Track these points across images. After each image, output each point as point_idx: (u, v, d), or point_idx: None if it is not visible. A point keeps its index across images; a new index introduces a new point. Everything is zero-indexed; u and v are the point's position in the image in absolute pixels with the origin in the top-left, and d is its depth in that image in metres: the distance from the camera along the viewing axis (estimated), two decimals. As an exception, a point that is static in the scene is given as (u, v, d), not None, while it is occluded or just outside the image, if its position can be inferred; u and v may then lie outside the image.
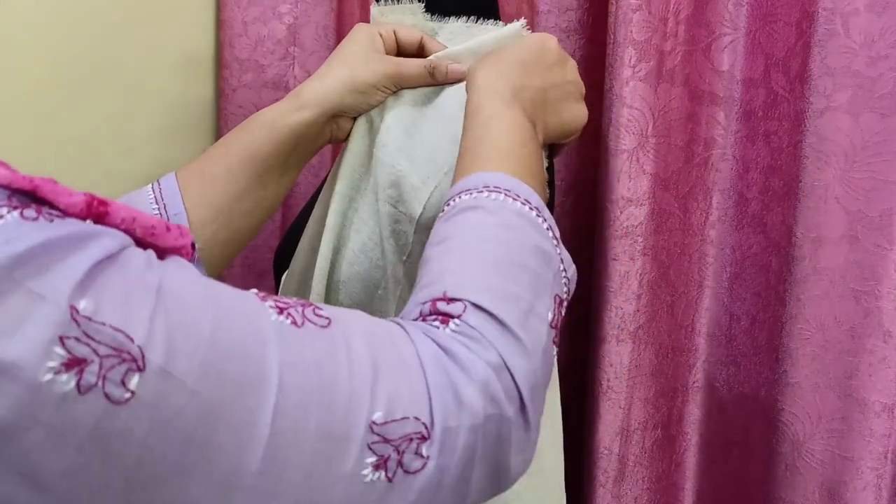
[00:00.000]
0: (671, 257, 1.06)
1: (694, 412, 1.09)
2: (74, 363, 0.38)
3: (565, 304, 0.58)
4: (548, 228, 0.58)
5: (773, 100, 1.02)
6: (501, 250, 0.55)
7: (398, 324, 0.53)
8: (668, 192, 1.05)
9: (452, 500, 0.49)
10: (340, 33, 1.32)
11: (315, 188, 1.35)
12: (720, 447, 1.11)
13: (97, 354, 0.39)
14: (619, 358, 1.05)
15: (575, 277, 0.61)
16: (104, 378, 0.39)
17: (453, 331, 0.51)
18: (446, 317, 0.52)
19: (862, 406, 0.99)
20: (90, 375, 0.39)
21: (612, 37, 1.02)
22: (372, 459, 0.46)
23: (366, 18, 1.27)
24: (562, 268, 0.58)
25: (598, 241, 1.05)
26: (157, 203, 0.75)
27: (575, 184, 1.16)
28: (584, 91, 0.75)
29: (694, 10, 1.01)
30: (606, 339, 1.05)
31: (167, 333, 0.41)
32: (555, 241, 0.59)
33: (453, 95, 0.77)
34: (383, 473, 0.46)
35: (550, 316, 0.55)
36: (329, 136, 0.80)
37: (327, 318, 0.49)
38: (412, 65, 0.78)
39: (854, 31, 0.95)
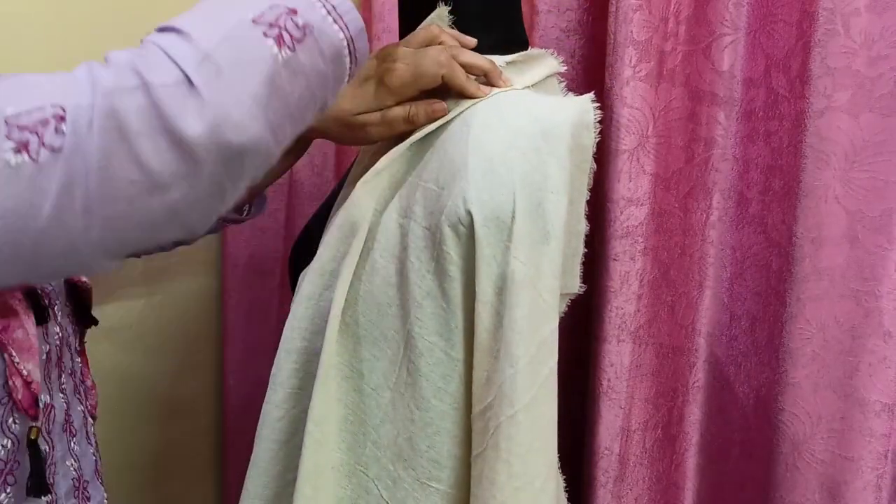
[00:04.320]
0: (671, 257, 1.06)
1: (694, 412, 1.09)
2: None
3: (311, 17, 0.58)
4: None
5: (773, 100, 1.02)
6: None
7: None
8: (668, 192, 1.05)
9: (122, 168, 0.51)
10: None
11: (318, 188, 1.36)
12: (720, 447, 1.11)
13: None
14: (619, 358, 1.06)
15: (344, 4, 0.61)
16: None
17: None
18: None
19: (862, 406, 0.99)
20: None
21: (612, 37, 1.02)
22: (10, 145, 0.50)
23: (369, 20, 1.27)
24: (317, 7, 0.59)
25: (598, 241, 1.05)
26: None
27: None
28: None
29: (694, 10, 1.02)
30: (607, 339, 1.05)
31: None
32: None
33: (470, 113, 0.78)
34: (27, 154, 0.50)
35: (252, 15, 0.56)
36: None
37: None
38: (396, 109, 0.79)
39: (854, 31, 0.95)
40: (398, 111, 0.78)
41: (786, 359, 1.03)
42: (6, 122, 0.50)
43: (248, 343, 1.37)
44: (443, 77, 0.77)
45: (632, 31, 1.00)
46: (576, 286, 0.84)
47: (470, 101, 0.78)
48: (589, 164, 0.80)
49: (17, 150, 0.50)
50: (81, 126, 0.51)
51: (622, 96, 1.01)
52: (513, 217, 0.73)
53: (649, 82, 1.02)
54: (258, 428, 0.83)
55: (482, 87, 0.78)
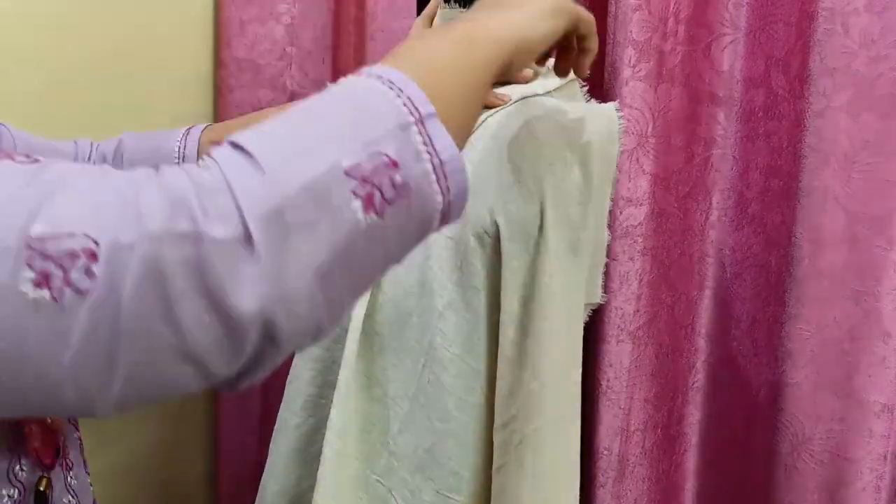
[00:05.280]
0: (671, 257, 1.06)
1: (694, 413, 1.09)
2: None
3: (413, 175, 0.48)
4: (399, 97, 0.49)
5: (772, 100, 1.02)
6: (308, 104, 0.48)
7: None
8: (667, 193, 1.05)
9: (156, 329, 0.43)
10: (338, 34, 1.31)
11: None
12: (720, 448, 1.10)
13: None
14: (618, 358, 1.05)
15: (456, 166, 0.50)
16: None
17: (194, 166, 0.45)
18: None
19: (861, 407, 0.99)
20: None
21: (612, 37, 1.02)
22: (30, 275, 0.41)
23: (363, 19, 1.27)
24: (418, 141, 0.48)
25: (597, 242, 1.05)
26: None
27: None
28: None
29: (694, 10, 1.01)
30: (606, 340, 1.05)
31: None
32: (407, 110, 0.49)
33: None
34: (48, 292, 0.41)
35: (347, 163, 0.46)
36: None
37: (38, 160, 0.45)
38: None
39: (854, 31, 0.95)
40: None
41: (785, 359, 1.03)
42: (29, 244, 0.41)
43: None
44: None
45: (631, 31, 1.00)
46: (598, 296, 0.84)
47: (492, 110, 0.77)
48: (613, 174, 0.79)
49: (38, 284, 0.42)
50: (116, 272, 0.42)
51: (622, 96, 1.01)
52: (540, 229, 0.72)
53: (649, 82, 1.02)
54: (274, 435, 0.82)
55: (501, 93, 0.77)
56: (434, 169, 0.49)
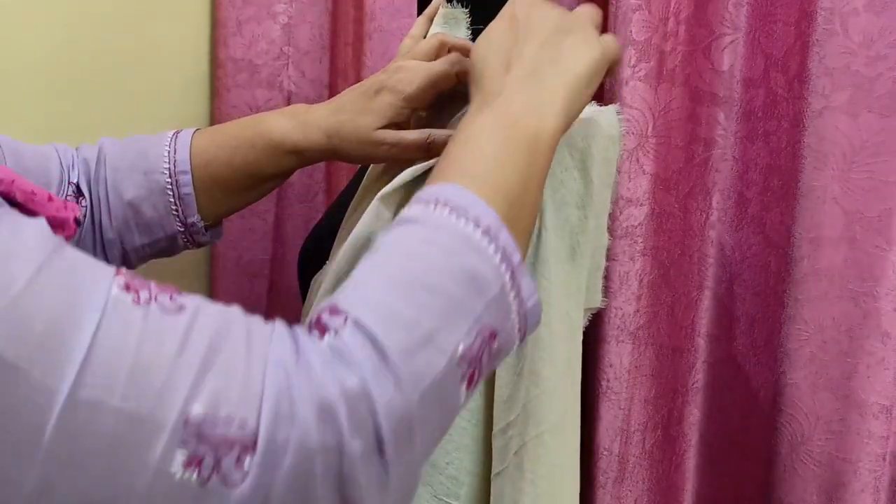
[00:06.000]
0: (671, 257, 1.06)
1: (694, 413, 1.08)
2: None
3: (505, 337, 0.51)
4: (497, 252, 0.51)
5: (772, 100, 1.02)
6: (416, 268, 0.49)
7: (272, 324, 0.48)
8: (667, 193, 1.05)
9: None
10: (335, 33, 1.31)
11: (308, 188, 1.35)
12: (720, 448, 1.10)
13: None
14: (618, 358, 1.05)
15: (537, 310, 0.54)
16: None
17: (325, 346, 0.46)
18: (325, 329, 0.47)
19: (860, 407, 0.99)
20: None
21: (612, 37, 1.02)
22: (183, 455, 0.42)
23: (361, 19, 1.26)
24: (511, 298, 0.51)
25: (597, 242, 1.05)
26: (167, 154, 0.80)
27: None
28: (592, 21, 0.64)
29: (694, 10, 1.02)
30: (606, 340, 1.05)
31: None
32: (504, 268, 0.51)
33: None
34: (196, 473, 0.42)
35: (462, 349, 0.48)
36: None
37: (182, 305, 0.45)
38: (413, 134, 0.75)
39: (853, 31, 0.95)
40: (415, 136, 0.74)
41: (784, 360, 1.03)
42: (186, 421, 0.42)
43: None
44: (457, 75, 0.73)
45: (631, 31, 1.00)
46: (598, 300, 0.83)
47: None
48: (613, 178, 0.78)
49: (188, 464, 0.41)
50: (266, 473, 0.42)
51: (622, 96, 1.01)
52: (539, 234, 0.71)
53: (649, 82, 1.02)
54: None
55: None
56: (519, 318, 0.52)
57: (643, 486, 1.09)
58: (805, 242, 1.00)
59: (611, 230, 1.02)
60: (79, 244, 0.79)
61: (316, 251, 0.86)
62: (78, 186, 0.79)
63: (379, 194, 0.75)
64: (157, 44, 1.22)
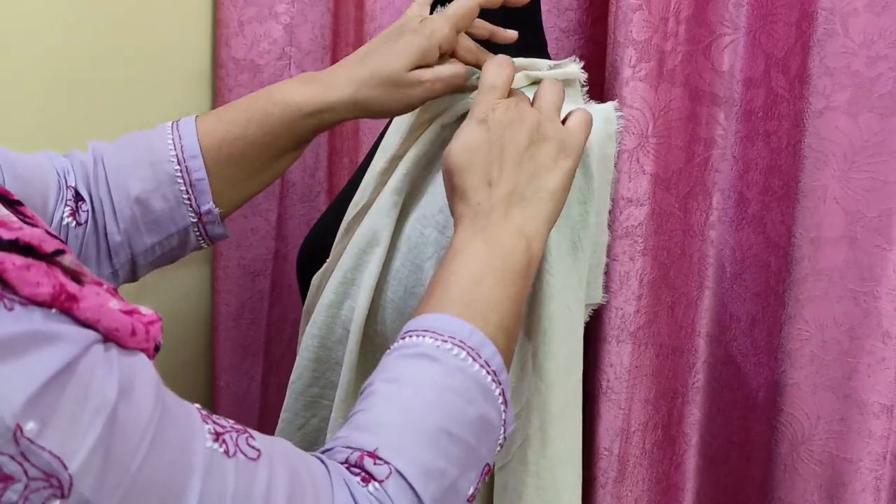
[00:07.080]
0: (671, 257, 1.06)
1: (694, 413, 1.09)
2: (2, 479, 0.39)
3: (491, 470, 0.61)
4: (500, 394, 0.59)
5: (772, 100, 1.02)
6: (444, 419, 0.56)
7: (323, 462, 0.54)
8: (668, 193, 1.05)
9: None
10: (337, 34, 1.31)
11: (310, 188, 1.35)
12: (720, 448, 1.10)
13: (26, 475, 0.39)
14: (619, 358, 1.05)
15: (512, 421, 0.62)
16: (26, 499, 0.40)
17: (370, 493, 0.52)
18: (370, 476, 0.53)
19: (861, 407, 0.99)
20: (13, 493, 0.39)
21: (612, 37, 1.02)
22: None
23: (362, 19, 1.27)
24: (501, 435, 0.60)
25: (597, 242, 1.05)
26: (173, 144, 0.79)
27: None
28: (557, 109, 0.70)
29: (694, 10, 1.01)
30: (606, 340, 1.05)
31: (102, 466, 0.41)
32: (503, 407, 0.59)
33: None
34: None
35: (471, 490, 0.56)
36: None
37: (258, 449, 0.50)
38: (447, 67, 0.76)
39: (853, 31, 0.95)
40: (452, 69, 0.76)
41: (784, 359, 1.03)
42: None
43: (238, 343, 1.36)
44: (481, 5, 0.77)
45: (631, 31, 1.00)
46: (599, 296, 0.84)
47: None
48: (612, 174, 0.79)
49: None
50: None
51: (622, 96, 1.01)
52: None
53: (649, 82, 1.02)
54: (275, 435, 0.82)
55: None
56: (503, 433, 0.61)
57: (643, 486, 1.09)
58: (805, 242, 1.00)
59: (611, 229, 1.03)
60: (82, 254, 0.77)
61: (315, 251, 0.86)
62: (77, 191, 0.77)
63: (438, 120, 0.76)
64: (159, 44, 1.22)
